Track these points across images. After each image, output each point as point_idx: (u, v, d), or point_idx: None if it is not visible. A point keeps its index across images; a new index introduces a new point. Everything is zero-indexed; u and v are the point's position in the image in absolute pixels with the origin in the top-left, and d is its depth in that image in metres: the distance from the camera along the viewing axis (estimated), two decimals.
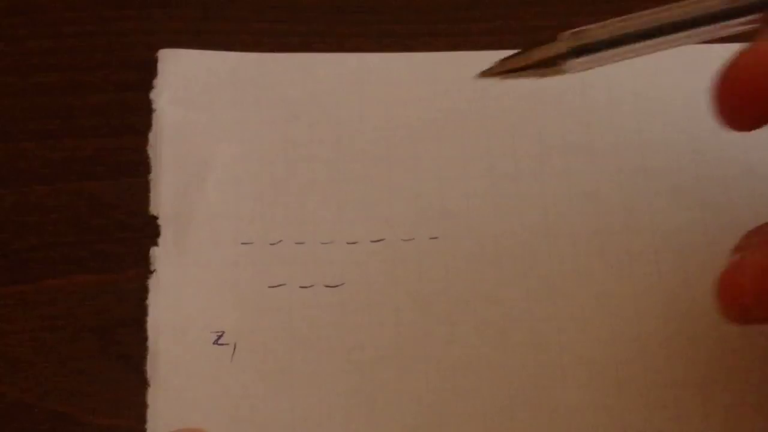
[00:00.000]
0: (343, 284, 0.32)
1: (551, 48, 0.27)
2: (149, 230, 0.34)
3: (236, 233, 0.33)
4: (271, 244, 0.33)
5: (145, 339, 0.32)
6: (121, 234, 0.34)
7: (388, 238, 0.33)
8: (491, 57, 0.36)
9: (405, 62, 0.36)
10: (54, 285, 0.33)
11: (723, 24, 0.26)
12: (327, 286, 0.33)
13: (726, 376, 0.31)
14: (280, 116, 0.34)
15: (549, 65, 0.26)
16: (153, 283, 0.32)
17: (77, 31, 0.37)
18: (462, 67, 0.35)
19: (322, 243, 0.33)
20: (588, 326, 0.32)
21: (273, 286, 0.33)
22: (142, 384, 0.31)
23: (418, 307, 0.32)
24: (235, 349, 0.31)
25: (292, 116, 0.34)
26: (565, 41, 0.26)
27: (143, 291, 0.33)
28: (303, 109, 0.35)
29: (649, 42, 0.26)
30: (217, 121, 0.35)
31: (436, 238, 0.33)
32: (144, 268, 0.33)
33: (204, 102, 0.35)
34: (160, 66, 0.36)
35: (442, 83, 0.35)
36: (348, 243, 0.33)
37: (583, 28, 0.26)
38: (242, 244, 0.33)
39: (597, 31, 0.26)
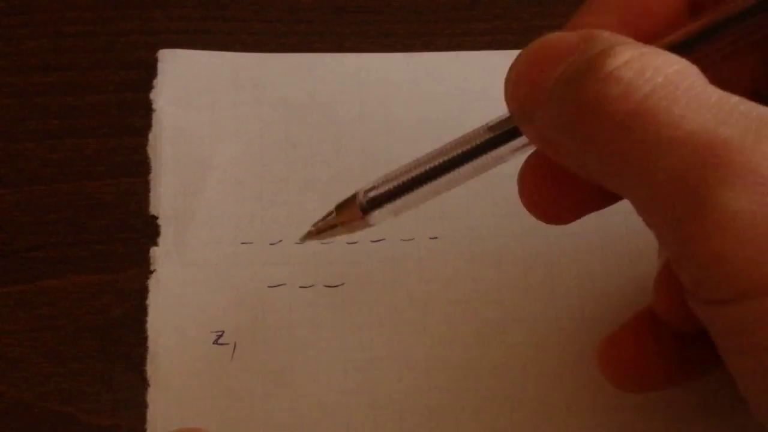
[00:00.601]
0: (343, 284, 0.32)
1: (350, 210, 0.28)
2: (149, 230, 0.34)
3: (236, 233, 0.33)
4: (271, 244, 0.33)
5: (145, 339, 0.32)
6: (121, 234, 0.34)
7: (388, 238, 0.33)
8: (491, 57, 0.36)
9: (405, 62, 0.36)
10: (54, 285, 0.33)
11: (496, 151, 0.27)
12: (327, 286, 0.33)
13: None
14: (280, 116, 0.35)
15: (355, 222, 0.28)
16: (153, 283, 0.33)
17: (77, 31, 0.37)
18: (462, 67, 0.35)
19: (322, 243, 0.33)
20: (587, 326, 0.32)
21: (273, 286, 0.33)
22: (142, 384, 0.31)
23: (418, 307, 0.32)
24: (235, 348, 0.31)
25: (292, 116, 0.34)
26: (360, 199, 0.28)
27: (143, 291, 0.33)
28: (303, 109, 0.35)
29: (435, 182, 0.27)
30: (216, 121, 0.35)
31: (436, 238, 0.33)
32: (144, 268, 0.33)
33: (204, 102, 0.35)
34: (160, 66, 0.36)
35: (442, 83, 0.35)
36: (348, 243, 0.33)
37: (373, 183, 0.28)
38: (242, 243, 0.33)
39: (384, 184, 0.28)
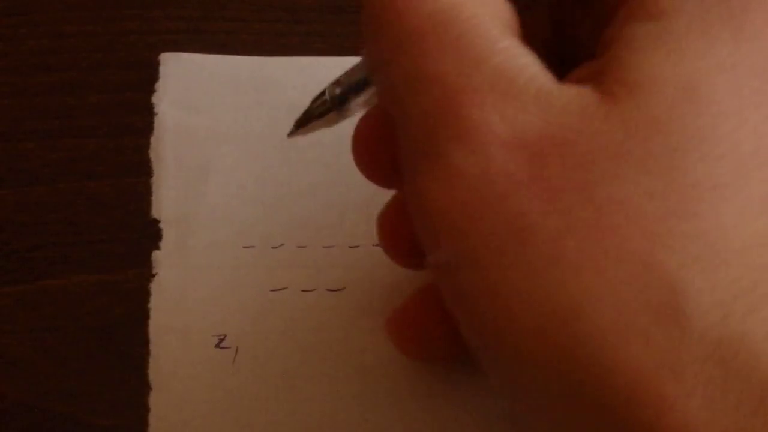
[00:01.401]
0: (344, 288, 0.33)
1: (323, 103, 0.28)
2: (149, 230, 0.34)
3: (238, 237, 0.33)
4: (272, 248, 0.33)
5: (145, 339, 0.32)
6: (121, 234, 0.34)
7: None
8: None
9: None
10: (54, 285, 0.33)
11: None
12: (329, 290, 0.33)
13: None
14: (282, 119, 0.34)
15: (334, 114, 0.28)
16: (155, 286, 0.33)
17: (77, 31, 0.37)
18: None
19: (324, 247, 0.33)
20: None
21: (275, 290, 0.33)
22: (142, 384, 0.31)
23: None
24: (236, 352, 0.31)
25: (294, 119, 0.34)
26: (331, 93, 0.28)
27: (143, 291, 0.33)
28: None
29: None
30: (218, 124, 0.35)
31: None
32: (144, 268, 0.33)
33: (205, 105, 0.35)
34: (162, 69, 0.36)
35: None
36: (350, 247, 0.33)
37: (339, 77, 0.28)
38: (244, 247, 0.33)
39: (349, 75, 0.27)
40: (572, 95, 0.21)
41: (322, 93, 0.28)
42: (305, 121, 0.29)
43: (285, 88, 0.35)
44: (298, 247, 0.33)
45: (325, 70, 0.35)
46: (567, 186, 0.20)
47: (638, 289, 0.20)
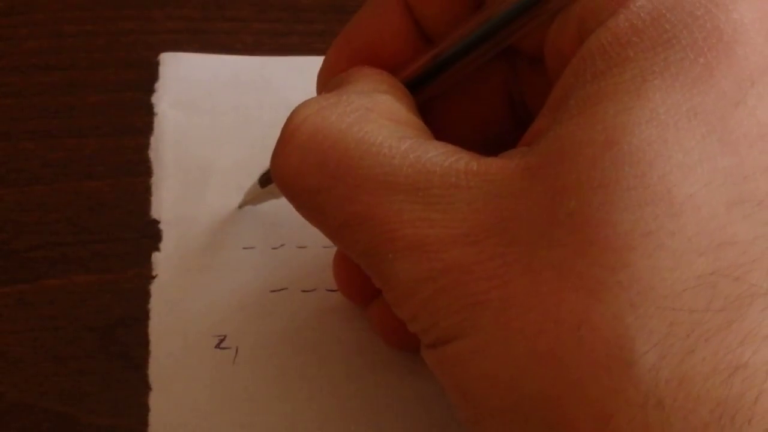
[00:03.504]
0: None
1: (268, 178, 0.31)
2: (149, 230, 0.34)
3: (238, 237, 0.33)
4: (272, 249, 0.33)
5: (145, 339, 0.32)
6: (121, 234, 0.34)
7: None
8: None
9: None
10: (54, 285, 0.33)
11: None
12: (329, 291, 0.33)
13: None
14: (282, 119, 0.34)
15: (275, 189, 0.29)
16: (155, 288, 0.32)
17: (77, 31, 0.37)
18: None
19: (324, 247, 0.33)
20: None
21: (275, 291, 0.33)
22: (142, 384, 0.31)
23: None
24: (236, 353, 0.31)
25: None
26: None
27: (143, 291, 0.33)
28: None
29: None
30: (218, 124, 0.35)
31: None
32: (144, 268, 0.33)
33: (205, 105, 0.35)
34: (162, 69, 0.36)
35: None
36: None
37: None
38: (244, 248, 0.33)
39: None
40: (495, 172, 0.22)
41: (268, 170, 0.30)
42: (251, 194, 0.32)
43: (285, 88, 0.35)
44: (298, 247, 0.33)
45: None
46: (503, 262, 0.22)
47: (576, 346, 0.20)
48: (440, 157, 0.23)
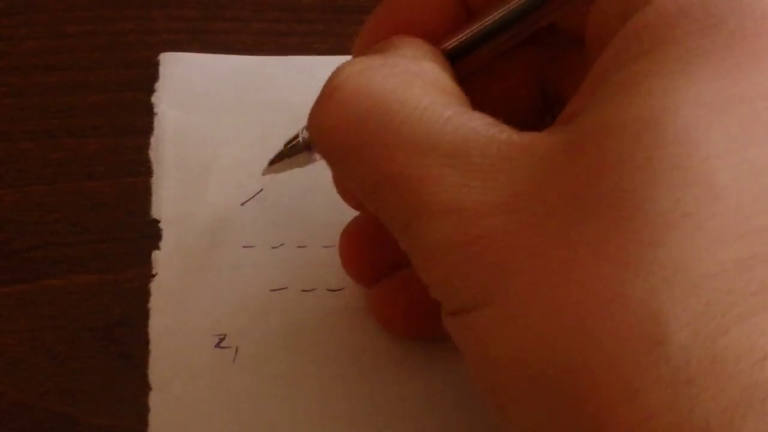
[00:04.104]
0: (344, 288, 0.32)
1: (296, 146, 0.30)
2: (149, 230, 0.34)
3: (238, 237, 0.33)
4: (272, 248, 0.33)
5: (145, 339, 0.32)
6: (121, 234, 0.34)
7: None
8: None
9: None
10: (54, 285, 0.33)
11: None
12: (329, 290, 0.33)
13: None
14: (282, 119, 0.34)
15: (305, 155, 0.30)
16: (155, 286, 0.32)
17: (77, 31, 0.37)
18: None
19: (324, 246, 0.33)
20: None
21: (275, 290, 0.33)
22: (142, 384, 0.31)
23: None
24: (236, 352, 0.31)
25: (294, 119, 0.34)
26: (303, 136, 0.29)
27: (143, 291, 0.32)
28: (304, 112, 0.34)
29: None
30: (218, 124, 0.35)
31: None
32: (144, 268, 0.33)
33: (205, 105, 0.35)
34: (162, 69, 0.36)
35: None
36: None
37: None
38: (244, 247, 0.33)
39: None
40: (536, 146, 0.23)
41: (296, 135, 0.30)
42: (278, 160, 0.31)
43: (285, 88, 0.35)
44: (298, 247, 0.33)
45: (325, 70, 0.35)
46: (539, 232, 0.22)
47: (608, 319, 0.20)
48: (483, 127, 0.23)
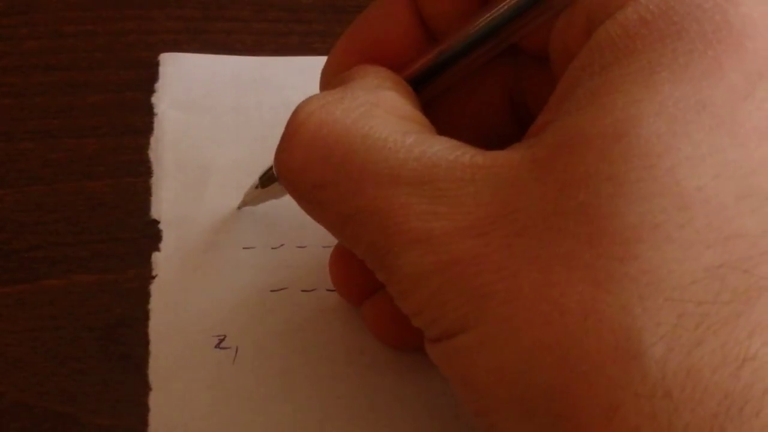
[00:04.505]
0: None
1: (270, 177, 0.31)
2: (149, 230, 0.34)
3: (238, 237, 0.33)
4: (272, 248, 0.33)
5: (145, 339, 0.32)
6: (121, 234, 0.34)
7: None
8: None
9: None
10: (54, 285, 0.33)
11: None
12: (329, 290, 0.33)
13: None
14: (282, 119, 0.34)
15: (277, 187, 0.31)
16: (155, 287, 0.32)
17: (77, 30, 0.37)
18: None
19: (324, 247, 0.33)
20: None
21: (275, 290, 0.33)
22: (142, 384, 0.31)
23: None
24: (236, 352, 0.31)
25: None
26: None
27: (143, 291, 0.32)
28: None
29: None
30: (218, 124, 0.35)
31: None
32: (144, 268, 0.33)
33: (205, 105, 0.35)
34: (162, 70, 0.36)
35: None
36: None
37: None
38: (244, 248, 0.33)
39: None
40: (500, 165, 0.23)
41: (270, 167, 0.30)
42: (250, 195, 0.32)
43: (285, 88, 0.35)
44: (298, 247, 0.33)
45: None
46: (510, 254, 0.22)
47: (583, 336, 0.20)
48: (445, 151, 0.23)
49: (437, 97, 0.28)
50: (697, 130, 0.21)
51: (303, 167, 0.25)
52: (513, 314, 0.21)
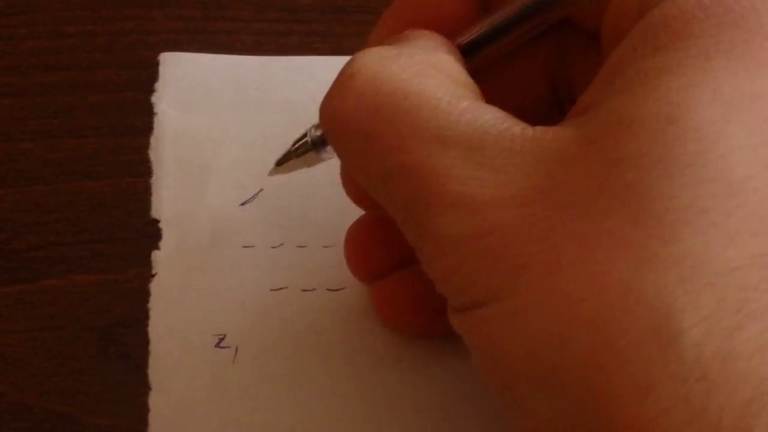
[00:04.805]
0: (344, 288, 0.32)
1: (304, 145, 0.30)
2: (149, 230, 0.34)
3: (238, 236, 0.33)
4: (272, 248, 0.33)
5: (145, 339, 0.32)
6: (121, 234, 0.34)
7: None
8: None
9: None
10: (54, 285, 0.33)
11: None
12: (329, 290, 0.33)
13: None
14: (282, 119, 0.35)
15: (313, 154, 0.30)
16: (155, 286, 0.32)
17: (77, 31, 0.37)
18: None
19: (324, 246, 0.33)
20: None
21: (275, 290, 0.33)
22: (142, 384, 0.31)
23: None
24: (236, 352, 0.31)
25: (293, 119, 0.34)
26: (311, 134, 0.29)
27: (143, 291, 0.32)
28: (304, 112, 0.34)
29: None
30: (218, 124, 0.35)
31: None
32: (144, 268, 0.33)
33: (205, 105, 0.35)
34: (162, 69, 0.36)
35: None
36: None
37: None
38: (244, 247, 0.33)
39: None
40: (550, 140, 0.22)
41: (304, 135, 0.30)
42: (285, 160, 0.31)
43: (285, 88, 0.35)
44: (298, 247, 0.33)
45: (325, 70, 0.35)
46: (552, 226, 0.21)
47: (622, 314, 0.20)
48: (496, 120, 0.23)
49: (482, 70, 0.27)
50: (751, 120, 0.21)
51: (352, 115, 0.24)
52: (551, 287, 0.21)
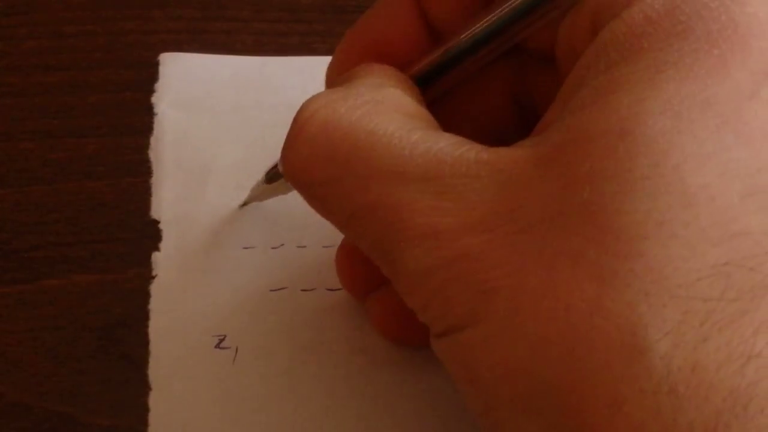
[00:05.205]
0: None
1: (276, 174, 0.31)
2: (149, 230, 0.34)
3: (238, 237, 0.33)
4: (272, 248, 0.33)
5: (145, 339, 0.32)
6: (121, 234, 0.34)
7: None
8: None
9: None
10: (54, 285, 0.33)
11: None
12: (329, 290, 0.33)
13: None
14: (282, 119, 0.34)
15: (282, 183, 0.31)
16: (155, 287, 0.32)
17: (77, 31, 0.37)
18: None
19: (324, 247, 0.33)
20: None
21: (275, 290, 0.33)
22: (143, 384, 0.31)
23: None
24: (236, 352, 0.31)
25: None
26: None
27: (143, 291, 0.32)
28: None
29: None
30: (218, 124, 0.35)
31: None
32: (144, 268, 0.33)
33: (205, 105, 0.35)
34: (162, 69, 0.36)
35: None
36: None
37: None
38: (244, 248, 0.33)
39: None
40: (506, 162, 0.23)
41: (275, 164, 0.30)
42: (257, 189, 0.32)
43: (285, 88, 0.35)
44: (298, 247, 0.33)
45: (325, 69, 0.35)
46: (515, 250, 0.22)
47: (589, 333, 0.20)
48: (450, 147, 0.23)
49: (441, 96, 0.28)
50: (702, 129, 0.21)
51: (308, 165, 0.25)
52: (518, 310, 0.21)
